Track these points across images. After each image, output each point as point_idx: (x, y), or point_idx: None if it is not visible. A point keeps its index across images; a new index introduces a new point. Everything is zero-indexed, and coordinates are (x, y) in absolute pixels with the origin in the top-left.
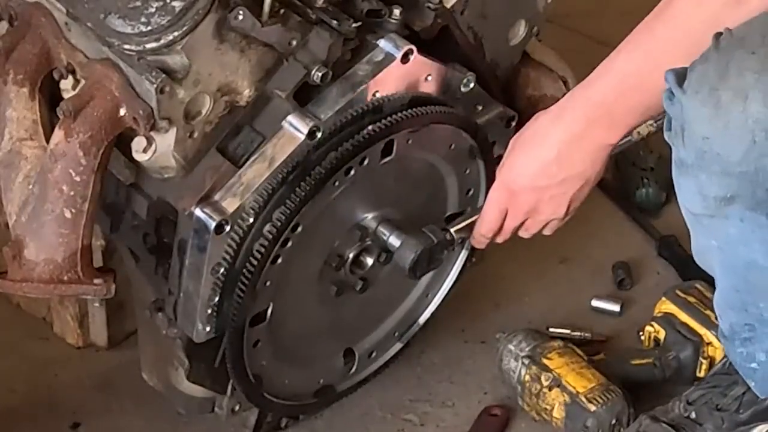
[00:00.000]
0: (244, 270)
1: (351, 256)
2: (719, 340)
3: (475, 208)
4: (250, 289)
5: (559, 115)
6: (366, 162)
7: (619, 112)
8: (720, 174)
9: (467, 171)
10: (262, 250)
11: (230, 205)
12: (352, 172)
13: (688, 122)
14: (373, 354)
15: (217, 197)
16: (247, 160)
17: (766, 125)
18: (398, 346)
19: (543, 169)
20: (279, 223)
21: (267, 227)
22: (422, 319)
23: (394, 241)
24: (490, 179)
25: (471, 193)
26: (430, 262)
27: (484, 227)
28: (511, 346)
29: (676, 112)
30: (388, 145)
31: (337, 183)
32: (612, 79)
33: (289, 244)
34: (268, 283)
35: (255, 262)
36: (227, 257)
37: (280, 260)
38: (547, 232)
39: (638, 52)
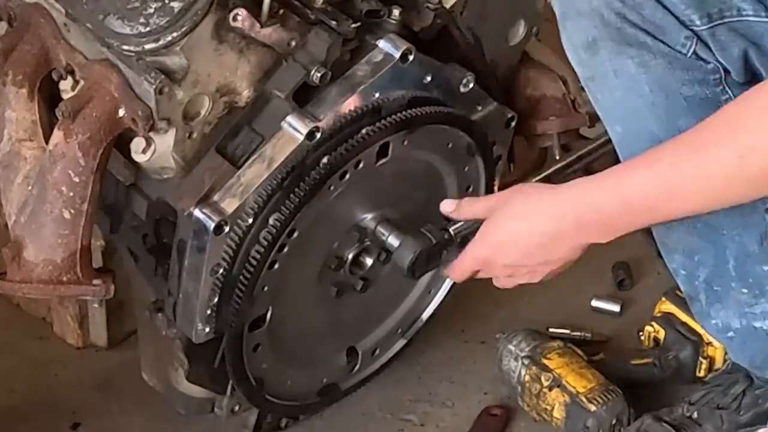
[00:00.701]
0: (241, 277)
1: (350, 256)
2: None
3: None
4: (247, 294)
5: (550, 208)
6: (361, 165)
7: (618, 225)
8: (576, 16)
9: (466, 168)
10: (258, 256)
11: (229, 205)
12: (348, 176)
13: None
14: (377, 351)
15: (216, 198)
16: (247, 160)
17: None
18: (402, 342)
19: (524, 256)
20: (274, 230)
21: (263, 233)
22: (425, 315)
23: (393, 241)
24: (490, 176)
25: (471, 189)
26: (428, 262)
27: (456, 277)
28: (511, 346)
29: None
30: (384, 148)
31: (332, 188)
32: (619, 196)
33: (286, 249)
34: (265, 288)
35: (251, 269)
36: (226, 258)
37: (276, 265)
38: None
39: (657, 180)
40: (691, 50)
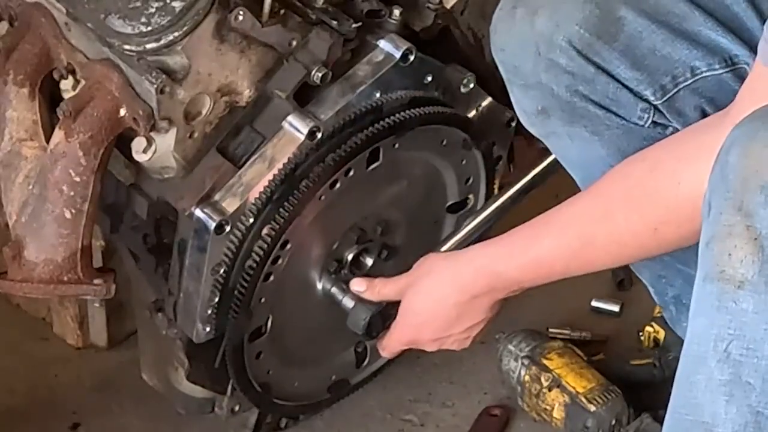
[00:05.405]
0: (236, 291)
1: (350, 258)
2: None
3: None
4: (244, 307)
5: (461, 278)
6: (352, 173)
7: (528, 284)
8: (524, 86)
9: (464, 162)
10: (251, 270)
11: (230, 205)
12: (338, 185)
13: (493, 35)
14: None
15: (217, 197)
16: (247, 160)
17: (548, 38)
18: None
19: (444, 326)
20: (265, 244)
21: (255, 246)
22: None
23: (348, 303)
24: (489, 168)
25: (471, 181)
26: (384, 321)
27: (387, 355)
28: (511, 347)
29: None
30: (374, 153)
31: (323, 197)
32: (529, 263)
33: (280, 260)
34: (263, 300)
35: (246, 282)
36: (227, 257)
37: (272, 277)
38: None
39: (568, 248)
40: (649, 121)
